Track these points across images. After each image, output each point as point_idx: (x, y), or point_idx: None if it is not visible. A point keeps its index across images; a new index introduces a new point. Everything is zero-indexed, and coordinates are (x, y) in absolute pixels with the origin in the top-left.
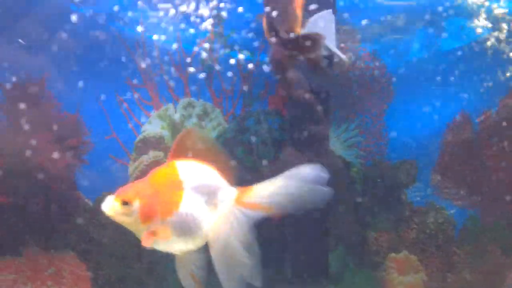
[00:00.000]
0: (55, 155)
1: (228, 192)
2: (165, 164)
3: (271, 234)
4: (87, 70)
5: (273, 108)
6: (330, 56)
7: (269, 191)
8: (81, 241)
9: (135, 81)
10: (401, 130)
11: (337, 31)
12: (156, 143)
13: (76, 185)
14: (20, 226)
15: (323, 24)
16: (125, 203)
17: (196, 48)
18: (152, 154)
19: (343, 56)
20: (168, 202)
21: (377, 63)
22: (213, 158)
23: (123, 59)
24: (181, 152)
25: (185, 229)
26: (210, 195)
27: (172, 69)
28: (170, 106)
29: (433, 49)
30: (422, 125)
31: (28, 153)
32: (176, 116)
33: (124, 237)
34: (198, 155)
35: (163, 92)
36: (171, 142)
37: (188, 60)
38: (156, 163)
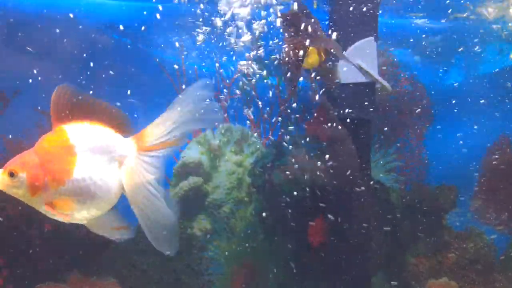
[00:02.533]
0: None
1: (126, 144)
2: (53, 130)
3: (312, 259)
4: (129, 98)
5: (310, 133)
6: (372, 83)
7: (165, 127)
8: (123, 268)
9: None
10: (441, 154)
11: (378, 57)
12: (195, 168)
13: (118, 212)
14: (65, 252)
15: (364, 51)
16: (11, 174)
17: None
18: (191, 179)
19: (386, 83)
20: (58, 170)
21: (416, 87)
22: (97, 111)
23: (165, 85)
24: (62, 114)
25: (86, 195)
26: (109, 153)
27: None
28: (209, 132)
29: (472, 73)
30: (462, 149)
31: None
32: (215, 142)
33: (164, 263)
34: (80, 113)
35: None
36: (210, 168)
37: (227, 85)
38: (196, 188)
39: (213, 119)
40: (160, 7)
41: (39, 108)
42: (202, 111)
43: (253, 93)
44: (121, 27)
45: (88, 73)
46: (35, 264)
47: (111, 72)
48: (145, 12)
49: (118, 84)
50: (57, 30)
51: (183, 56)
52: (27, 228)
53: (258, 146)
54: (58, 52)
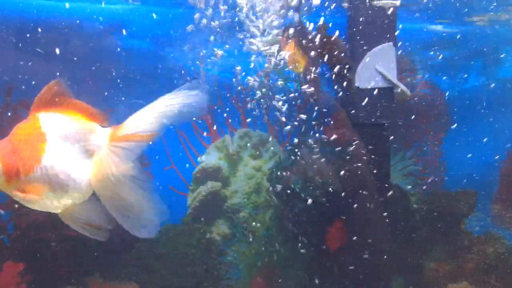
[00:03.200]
0: None
1: (100, 134)
2: (27, 118)
3: (330, 264)
4: (147, 103)
5: (329, 138)
6: (391, 88)
7: (143, 118)
8: (142, 273)
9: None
10: (459, 158)
11: (398, 62)
12: (214, 173)
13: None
14: (85, 257)
15: (383, 56)
16: None
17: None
18: (210, 184)
19: (405, 88)
20: (28, 157)
21: (434, 92)
22: (79, 109)
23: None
24: (44, 105)
25: (55, 182)
26: (82, 142)
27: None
28: (227, 137)
29: (491, 76)
30: (481, 153)
31: None
32: (233, 147)
33: (183, 268)
34: (62, 107)
35: (221, 123)
36: (229, 173)
37: (245, 91)
38: (214, 193)
39: (196, 110)
40: (177, 13)
41: None
42: (186, 102)
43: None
44: (124, 32)
45: (109, 77)
46: (56, 269)
47: (133, 76)
48: (160, 16)
49: (138, 91)
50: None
51: (201, 65)
52: (48, 234)
53: (276, 151)
54: (81, 57)
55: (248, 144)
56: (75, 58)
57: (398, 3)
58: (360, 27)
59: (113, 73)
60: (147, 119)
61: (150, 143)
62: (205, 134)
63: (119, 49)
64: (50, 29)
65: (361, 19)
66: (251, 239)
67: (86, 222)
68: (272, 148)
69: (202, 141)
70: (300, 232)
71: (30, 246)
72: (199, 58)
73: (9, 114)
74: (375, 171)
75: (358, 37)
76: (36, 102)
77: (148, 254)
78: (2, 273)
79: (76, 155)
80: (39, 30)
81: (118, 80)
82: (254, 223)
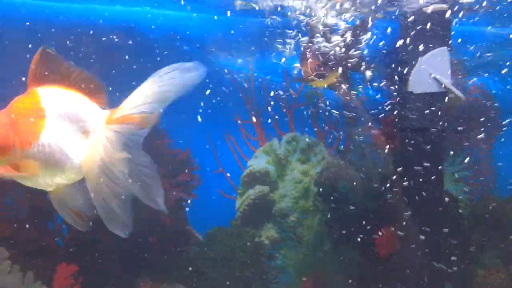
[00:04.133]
0: (168, 190)
1: (97, 116)
2: (27, 92)
3: (379, 270)
4: (197, 108)
5: (377, 143)
6: (444, 93)
7: (139, 100)
8: (192, 275)
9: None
10: (511, 163)
11: (452, 67)
12: (262, 177)
13: (187, 219)
14: (134, 260)
15: (438, 61)
16: None
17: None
18: (258, 188)
19: (459, 93)
20: (26, 132)
21: (485, 96)
22: (78, 81)
23: (232, 96)
24: (41, 77)
25: (50, 160)
26: (79, 122)
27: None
28: (275, 141)
29: None
30: None
31: None
32: (281, 151)
33: (232, 271)
34: (61, 79)
35: (269, 127)
36: (277, 177)
37: (294, 96)
38: (262, 197)
39: (189, 84)
40: (226, 18)
41: None
42: (179, 79)
43: (320, 102)
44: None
45: None
46: (107, 271)
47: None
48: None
49: (190, 97)
50: (130, 42)
51: (251, 67)
52: (100, 236)
53: (324, 155)
54: (133, 63)
55: (296, 149)
56: (126, 57)
57: (446, 6)
58: (414, 33)
59: None
60: (144, 100)
61: (148, 127)
62: (252, 138)
63: (172, 55)
64: (102, 34)
65: (414, 24)
66: (299, 244)
67: (72, 208)
68: (319, 152)
69: (250, 145)
70: (348, 237)
71: (83, 248)
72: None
73: None
74: (426, 177)
75: (411, 42)
76: (31, 76)
77: (197, 256)
78: (56, 274)
79: (73, 134)
80: (91, 33)
81: None
82: (302, 228)
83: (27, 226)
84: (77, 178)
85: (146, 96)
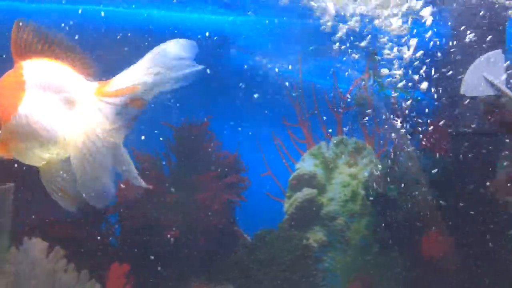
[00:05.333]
0: (217, 192)
1: (85, 87)
2: (14, 66)
3: (428, 274)
4: (246, 110)
5: (426, 147)
6: (499, 96)
7: (131, 75)
8: (241, 276)
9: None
10: None
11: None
12: (310, 180)
13: (236, 221)
14: (185, 261)
15: (492, 64)
16: None
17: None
18: (306, 191)
19: None
20: (6, 105)
21: None
22: (64, 53)
23: (280, 99)
24: (24, 51)
25: (30, 132)
26: (62, 92)
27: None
28: (323, 144)
29: None
30: None
31: (193, 189)
32: (329, 154)
33: (280, 274)
34: (45, 52)
35: (317, 130)
36: (324, 180)
37: (343, 99)
38: (310, 200)
39: (184, 79)
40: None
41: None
42: (176, 67)
43: (369, 106)
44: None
45: (211, 87)
46: (158, 271)
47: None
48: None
49: (240, 100)
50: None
51: (300, 70)
52: (151, 237)
53: (372, 158)
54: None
55: (344, 152)
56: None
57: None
58: (467, 34)
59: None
60: (137, 77)
61: (141, 107)
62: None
63: (226, 60)
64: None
65: (468, 26)
66: (347, 247)
67: (61, 186)
68: (368, 155)
69: (297, 148)
70: (396, 241)
71: (135, 248)
72: (299, 65)
73: None
74: (479, 181)
75: (464, 45)
76: (13, 50)
77: (246, 258)
78: (109, 274)
79: (55, 106)
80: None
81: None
82: (350, 231)
83: (82, 226)
84: (64, 152)
85: (140, 72)
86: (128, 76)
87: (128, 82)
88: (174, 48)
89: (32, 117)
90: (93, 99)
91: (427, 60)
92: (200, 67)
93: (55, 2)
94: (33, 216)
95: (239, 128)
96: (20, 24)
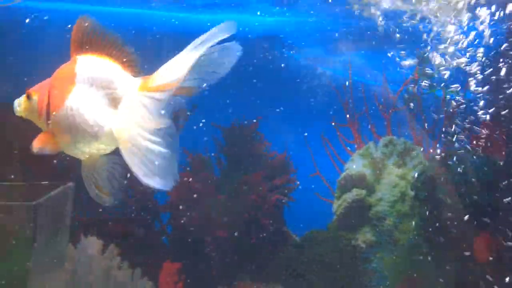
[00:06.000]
0: (266, 192)
1: (130, 83)
2: (70, 59)
3: (478, 277)
4: (295, 111)
5: (477, 148)
6: None
7: (173, 68)
8: (289, 276)
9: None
10: None
11: None
12: (359, 181)
13: (285, 221)
14: (234, 259)
15: None
16: (29, 97)
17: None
18: (354, 191)
19: None
20: (56, 96)
21: None
22: (116, 51)
23: (329, 99)
24: (81, 45)
25: (76, 126)
26: (108, 88)
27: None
28: (372, 144)
29: None
30: None
31: (242, 190)
32: (377, 154)
33: (329, 273)
34: (99, 48)
35: (365, 131)
36: (373, 180)
37: (392, 99)
38: (359, 200)
39: (229, 62)
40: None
41: (213, 122)
42: (220, 53)
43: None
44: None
45: (260, 87)
46: (208, 269)
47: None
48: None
49: (289, 100)
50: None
51: (350, 70)
52: (202, 235)
53: (421, 159)
54: (241, 70)
55: (392, 152)
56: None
57: None
58: None
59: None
60: (181, 69)
61: (190, 94)
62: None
63: (275, 60)
64: None
65: None
66: (395, 247)
67: (98, 183)
68: (417, 156)
69: (346, 148)
70: (446, 242)
71: (186, 247)
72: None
73: None
74: None
75: None
76: (72, 44)
77: (294, 258)
78: (162, 271)
79: (101, 102)
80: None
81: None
82: (398, 231)
83: (136, 224)
84: (105, 148)
85: (183, 65)
86: (170, 70)
87: (171, 75)
88: (215, 35)
89: (78, 110)
90: (138, 95)
91: (483, 60)
92: (239, 51)
93: (103, 5)
94: (89, 215)
95: (288, 129)
96: (82, 20)
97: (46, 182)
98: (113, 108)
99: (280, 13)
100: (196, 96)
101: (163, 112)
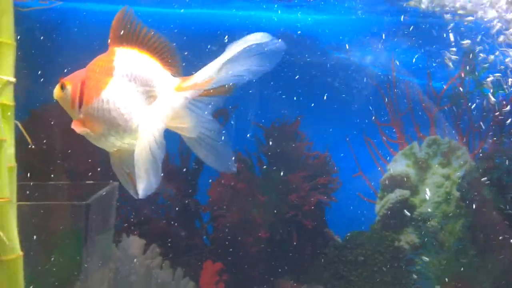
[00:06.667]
0: (307, 192)
1: (167, 82)
2: (107, 51)
3: None
4: (336, 110)
5: None
6: None
7: (210, 68)
8: (331, 277)
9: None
10: None
11: None
12: (402, 181)
13: (327, 222)
14: (275, 260)
15: None
16: (62, 86)
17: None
18: (398, 192)
19: None
20: (92, 87)
21: None
22: (155, 46)
23: (371, 98)
24: (121, 37)
25: (109, 119)
26: (147, 86)
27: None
28: (415, 144)
29: None
30: None
31: (283, 190)
32: (421, 154)
33: (372, 275)
34: (139, 42)
35: (409, 130)
36: (417, 181)
37: (437, 97)
38: (403, 201)
39: (272, 59)
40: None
41: (254, 121)
42: (259, 49)
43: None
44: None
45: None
46: (249, 270)
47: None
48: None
49: (331, 98)
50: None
51: (393, 68)
52: (243, 236)
53: (467, 159)
54: (283, 69)
55: (437, 152)
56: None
57: None
58: None
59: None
60: (218, 70)
61: (227, 93)
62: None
63: (316, 58)
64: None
65: None
66: (441, 250)
67: (129, 173)
68: (462, 156)
69: (389, 148)
70: (494, 245)
71: (227, 247)
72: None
73: None
74: None
75: None
76: (111, 34)
77: (336, 259)
78: (203, 271)
79: (137, 98)
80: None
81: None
82: (444, 233)
83: (177, 224)
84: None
85: (221, 67)
86: (207, 70)
87: (206, 75)
88: (254, 40)
89: (114, 104)
90: (173, 95)
91: None
92: (282, 50)
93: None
94: (130, 214)
95: (330, 128)
96: (124, 11)
97: (92, 181)
98: (148, 105)
99: (323, 11)
100: (237, 96)
101: (198, 112)
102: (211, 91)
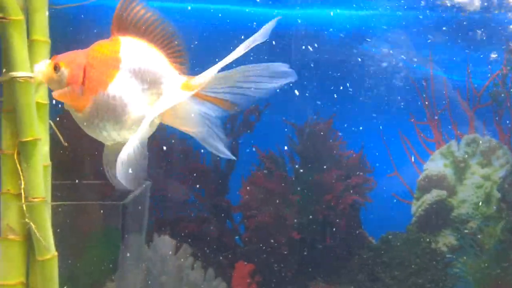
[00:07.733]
0: (341, 192)
1: (174, 79)
2: (110, 38)
3: None
4: (372, 108)
5: None
6: None
7: (216, 69)
8: (366, 279)
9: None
10: None
11: None
12: (439, 181)
13: (361, 223)
14: (309, 261)
15: None
16: (56, 68)
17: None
18: (435, 192)
19: None
20: (96, 79)
21: None
22: (165, 40)
23: (408, 96)
24: (125, 25)
25: (112, 113)
26: (152, 83)
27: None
28: (453, 143)
29: None
30: None
31: (317, 189)
32: (460, 153)
33: (407, 278)
34: (145, 32)
35: (446, 128)
36: (455, 181)
37: (477, 95)
38: (440, 202)
39: (278, 79)
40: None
41: (285, 119)
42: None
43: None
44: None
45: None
46: (282, 271)
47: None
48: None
49: (366, 96)
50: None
51: (431, 65)
52: (275, 236)
53: (508, 158)
54: (309, 63)
55: (476, 151)
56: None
57: None
58: None
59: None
60: (227, 79)
61: (230, 108)
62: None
63: (352, 56)
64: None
65: None
66: (480, 252)
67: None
68: (503, 155)
69: (426, 147)
70: None
71: (259, 247)
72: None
73: None
74: None
75: None
76: (115, 21)
77: (371, 261)
78: (234, 272)
79: (142, 92)
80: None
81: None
82: (483, 235)
83: (208, 224)
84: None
85: (230, 77)
86: (214, 70)
87: (211, 75)
88: (264, 72)
89: (117, 99)
90: (179, 94)
91: None
92: (290, 78)
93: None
94: (161, 214)
95: (365, 126)
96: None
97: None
98: (152, 101)
99: (361, 8)
100: (270, 94)
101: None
102: (215, 99)
